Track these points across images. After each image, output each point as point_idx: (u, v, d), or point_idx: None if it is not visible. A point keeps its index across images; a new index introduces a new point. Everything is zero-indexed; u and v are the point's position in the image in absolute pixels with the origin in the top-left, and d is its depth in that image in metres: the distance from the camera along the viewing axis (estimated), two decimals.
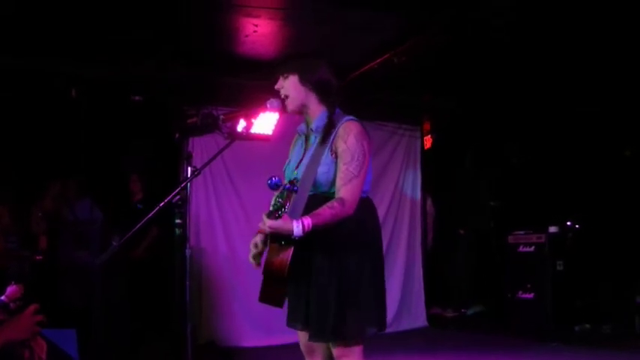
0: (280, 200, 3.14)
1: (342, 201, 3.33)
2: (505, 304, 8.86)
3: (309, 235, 3.23)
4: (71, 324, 6.19)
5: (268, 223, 3.17)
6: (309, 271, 3.46)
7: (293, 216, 3.24)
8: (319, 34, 6.95)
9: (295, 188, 3.23)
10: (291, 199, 3.22)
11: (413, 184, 10.04)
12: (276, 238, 3.30)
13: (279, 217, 3.13)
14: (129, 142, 8.36)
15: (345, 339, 3.43)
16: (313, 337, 3.50)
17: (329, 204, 3.32)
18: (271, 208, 3.18)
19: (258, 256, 3.65)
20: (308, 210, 3.33)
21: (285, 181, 3.49)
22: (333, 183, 3.46)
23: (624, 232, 8.66)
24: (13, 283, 5.10)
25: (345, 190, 3.37)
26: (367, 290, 3.47)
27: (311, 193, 3.46)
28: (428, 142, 10.37)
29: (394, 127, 9.84)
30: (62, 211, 7.93)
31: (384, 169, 9.55)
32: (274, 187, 3.18)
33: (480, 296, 10.81)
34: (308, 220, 3.20)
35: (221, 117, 7.86)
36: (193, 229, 8.29)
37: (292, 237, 3.21)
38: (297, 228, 3.17)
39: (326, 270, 3.43)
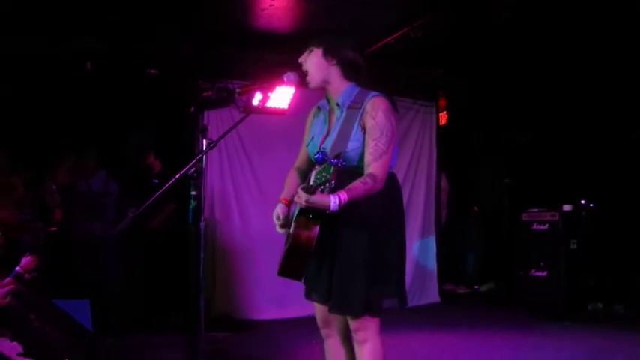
0: (326, 175, 3.09)
1: (373, 177, 3.35)
2: (517, 282, 8.85)
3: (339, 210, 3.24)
4: (85, 294, 6.25)
5: (306, 198, 3.17)
6: (335, 245, 3.49)
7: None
8: (335, 9, 6.92)
9: (343, 163, 3.20)
10: (337, 175, 3.16)
11: (429, 160, 10.02)
12: (305, 212, 3.31)
13: (323, 192, 3.11)
14: (144, 116, 8.37)
15: (370, 312, 3.47)
16: (335, 309, 3.53)
17: (362, 179, 3.34)
18: (312, 183, 3.15)
19: (284, 226, 3.70)
20: (338, 182, 3.29)
21: (306, 160, 3.53)
22: (362, 158, 3.48)
23: (638, 211, 8.63)
24: (27, 254, 5.15)
25: (376, 166, 3.39)
26: (392, 264, 3.53)
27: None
28: (443, 118, 10.33)
29: (410, 102, 9.79)
30: (76, 183, 7.96)
31: (399, 144, 9.49)
32: (321, 161, 3.16)
33: (492, 273, 10.83)
34: (344, 195, 3.21)
35: (237, 90, 7.84)
36: (208, 202, 8.32)
37: (327, 212, 3.21)
38: (334, 203, 3.17)
39: (353, 244, 3.46)
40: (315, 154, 3.21)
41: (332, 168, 3.11)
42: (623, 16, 7.06)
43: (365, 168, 3.42)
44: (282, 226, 3.71)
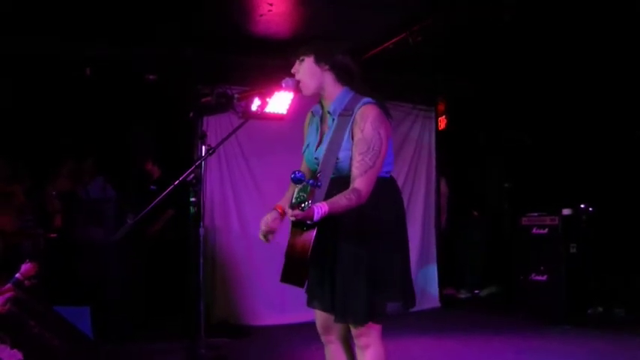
0: (303, 195, 3.11)
1: (357, 192, 3.34)
2: (518, 286, 8.84)
3: (329, 220, 3.26)
4: (85, 301, 6.24)
5: (292, 213, 3.16)
6: (334, 255, 3.50)
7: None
8: (334, 14, 6.92)
9: (319, 184, 3.25)
10: (314, 195, 3.21)
11: (428, 165, 10.02)
12: (299, 224, 3.33)
13: (303, 210, 3.11)
14: (142, 122, 8.38)
15: (373, 318, 3.49)
16: (339, 319, 3.55)
17: (346, 195, 3.33)
18: (293, 201, 3.18)
19: (267, 234, 3.68)
20: (330, 191, 3.38)
21: (307, 167, 3.62)
22: None
23: (638, 214, 8.62)
24: (27, 260, 5.15)
25: (360, 181, 3.38)
26: (394, 273, 3.53)
27: (333, 176, 3.49)
28: (442, 122, 10.33)
29: (409, 107, 9.79)
30: (76, 189, 7.97)
31: (399, 149, 9.52)
32: (297, 181, 3.17)
33: (492, 278, 10.82)
34: (325, 207, 3.21)
35: (235, 96, 7.86)
36: (207, 208, 8.31)
37: (309, 222, 3.23)
38: (317, 214, 3.18)
39: (353, 254, 3.47)
40: (293, 175, 3.21)
41: (309, 188, 3.13)
42: (624, 19, 7.05)
43: (351, 181, 3.41)
44: (262, 233, 3.69)
